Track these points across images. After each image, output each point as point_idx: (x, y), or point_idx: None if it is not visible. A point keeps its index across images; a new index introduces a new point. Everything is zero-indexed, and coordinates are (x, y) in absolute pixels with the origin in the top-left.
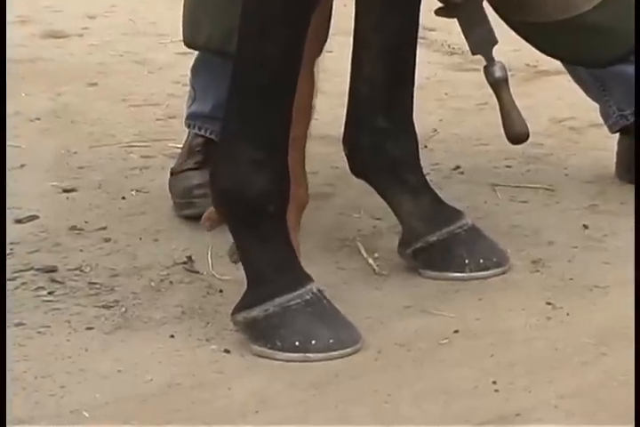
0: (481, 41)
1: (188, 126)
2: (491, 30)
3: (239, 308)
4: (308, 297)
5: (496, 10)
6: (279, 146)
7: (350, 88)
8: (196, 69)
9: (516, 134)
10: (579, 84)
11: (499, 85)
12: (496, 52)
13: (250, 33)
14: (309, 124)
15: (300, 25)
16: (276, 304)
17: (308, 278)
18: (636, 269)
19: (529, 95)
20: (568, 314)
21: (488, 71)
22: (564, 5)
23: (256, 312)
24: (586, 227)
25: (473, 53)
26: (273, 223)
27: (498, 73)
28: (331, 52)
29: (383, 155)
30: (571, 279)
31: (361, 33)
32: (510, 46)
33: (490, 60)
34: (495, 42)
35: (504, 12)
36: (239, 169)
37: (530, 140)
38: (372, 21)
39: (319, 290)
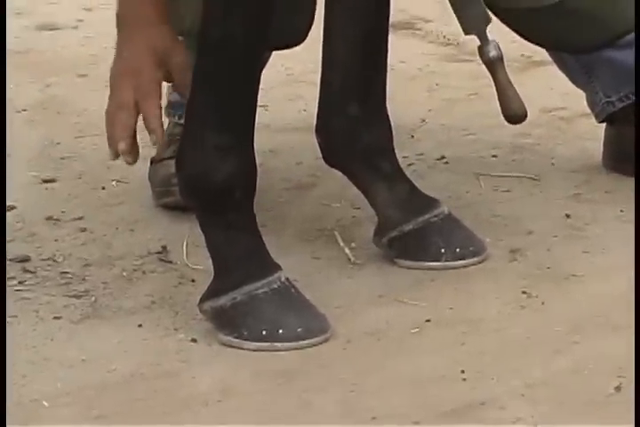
0: (474, 20)
1: (168, 115)
2: (484, 9)
3: (206, 296)
4: (275, 286)
5: None
6: (245, 131)
7: (322, 76)
8: None
9: (514, 113)
10: (565, 73)
11: (494, 65)
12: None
13: (214, 15)
14: None
15: (264, 7)
16: (244, 292)
17: (276, 267)
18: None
19: (521, 85)
20: (543, 303)
21: (482, 51)
22: None
23: (223, 301)
24: (568, 216)
25: (466, 33)
26: (239, 210)
27: (492, 52)
28: None
29: (357, 143)
30: (548, 268)
31: (333, 19)
32: (509, 37)
33: (484, 40)
34: (489, 20)
35: None
36: (204, 155)
37: (518, 130)
38: (345, 7)
39: (287, 279)
